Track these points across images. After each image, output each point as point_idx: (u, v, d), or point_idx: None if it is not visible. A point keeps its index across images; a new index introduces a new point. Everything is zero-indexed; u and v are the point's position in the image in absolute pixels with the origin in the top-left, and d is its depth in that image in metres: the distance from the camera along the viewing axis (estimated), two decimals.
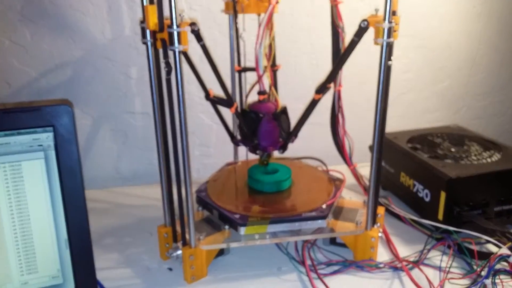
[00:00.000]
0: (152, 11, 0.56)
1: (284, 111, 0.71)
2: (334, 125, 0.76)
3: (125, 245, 0.74)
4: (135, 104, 0.95)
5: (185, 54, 0.61)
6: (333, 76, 0.65)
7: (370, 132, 0.83)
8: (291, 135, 0.70)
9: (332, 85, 0.67)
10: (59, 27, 0.87)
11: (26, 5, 0.84)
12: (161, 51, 0.58)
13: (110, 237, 0.76)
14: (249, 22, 0.79)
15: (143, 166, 1.00)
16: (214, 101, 0.68)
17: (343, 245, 0.70)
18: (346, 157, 0.79)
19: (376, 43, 0.57)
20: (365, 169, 0.85)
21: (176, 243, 0.67)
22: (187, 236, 0.63)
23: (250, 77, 0.81)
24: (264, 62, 0.66)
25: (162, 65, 0.58)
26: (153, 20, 0.56)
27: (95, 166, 0.98)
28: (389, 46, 0.57)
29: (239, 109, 0.70)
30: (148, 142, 0.98)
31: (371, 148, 0.96)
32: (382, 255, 0.69)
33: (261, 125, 0.68)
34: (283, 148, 0.71)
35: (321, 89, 0.65)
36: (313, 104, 0.66)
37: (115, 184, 0.99)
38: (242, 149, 0.87)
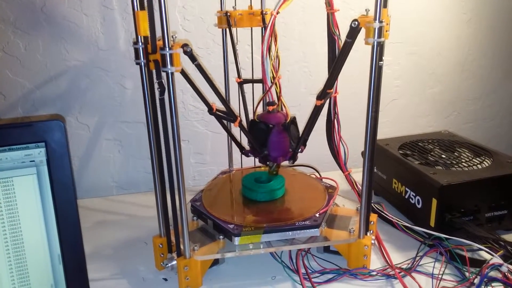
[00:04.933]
0: (143, 17, 0.56)
1: (293, 121, 0.72)
2: (330, 131, 0.77)
3: (120, 255, 0.74)
4: (129, 113, 0.96)
5: (182, 72, 0.61)
6: (332, 81, 0.66)
7: (362, 139, 0.84)
8: (299, 144, 0.71)
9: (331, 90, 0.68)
10: (53, 39, 0.87)
11: (20, 16, 0.85)
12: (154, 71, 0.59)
13: (105, 246, 0.77)
14: (240, 33, 0.81)
15: (138, 174, 1.01)
16: (218, 116, 0.69)
17: (336, 252, 0.70)
18: (341, 163, 0.80)
19: (367, 43, 0.57)
20: (358, 175, 0.86)
21: (171, 253, 0.67)
22: (181, 246, 0.63)
23: (247, 87, 0.82)
24: (271, 72, 0.67)
25: (156, 85, 0.58)
26: (144, 28, 0.56)
27: (91, 175, 0.98)
28: (380, 46, 0.57)
29: (243, 122, 0.71)
30: (143, 151, 0.98)
31: (363, 154, 0.98)
32: (376, 262, 0.69)
33: (271, 136, 0.69)
34: (293, 158, 0.72)
35: (322, 95, 0.65)
36: (315, 110, 0.67)
37: (112, 192, 1.00)
38: (237, 157, 0.88)
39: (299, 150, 0.71)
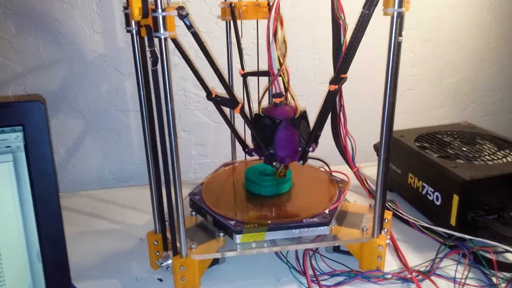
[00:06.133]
0: None
1: (303, 115, 0.64)
2: (335, 125, 0.71)
3: (113, 251, 0.69)
4: (127, 101, 0.90)
5: (177, 44, 0.56)
6: (347, 64, 0.59)
7: (373, 130, 0.77)
8: (310, 142, 0.64)
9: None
10: (46, 20, 0.82)
11: None
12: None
13: (97, 242, 0.72)
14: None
15: (137, 166, 0.95)
16: (217, 101, 0.63)
17: (347, 253, 0.65)
18: (348, 159, 0.74)
19: (385, 13, 0.51)
20: (369, 170, 0.80)
21: (166, 251, 0.62)
22: (177, 244, 0.58)
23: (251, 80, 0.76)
24: (278, 60, 0.60)
25: (148, 54, 0.52)
26: (137, 4, 0.50)
27: (87, 167, 0.93)
28: (401, 18, 0.51)
29: (246, 110, 0.64)
30: (141, 141, 0.91)
31: (376, 147, 0.92)
32: (390, 264, 0.63)
33: (278, 132, 0.62)
34: (303, 158, 0.64)
35: (336, 80, 0.59)
36: (329, 98, 0.60)
37: (108, 185, 0.95)
38: (241, 149, 0.82)
39: (310, 149, 0.64)
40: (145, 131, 0.59)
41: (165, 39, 0.49)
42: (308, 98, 0.97)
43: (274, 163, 0.65)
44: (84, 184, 0.93)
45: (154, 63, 0.51)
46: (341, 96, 0.69)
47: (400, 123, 1.04)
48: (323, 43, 0.94)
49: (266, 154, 0.63)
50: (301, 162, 0.64)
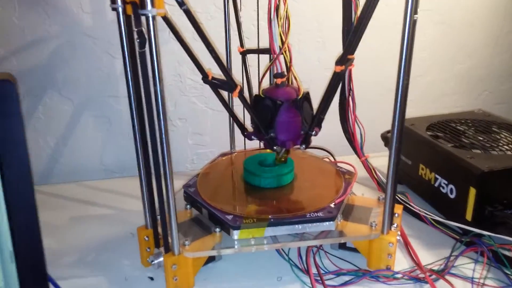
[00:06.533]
0: None
1: (306, 97, 0.60)
2: (344, 110, 0.66)
3: (102, 247, 0.64)
4: (119, 86, 0.85)
5: (168, 22, 0.50)
6: (354, 44, 0.54)
7: (380, 120, 0.73)
8: (313, 125, 0.59)
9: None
10: None
11: None
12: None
13: (86, 237, 0.67)
14: None
15: (130, 155, 0.89)
16: (214, 84, 0.58)
17: (354, 250, 0.60)
18: (356, 147, 0.70)
19: None
20: (376, 161, 0.75)
21: (158, 248, 0.57)
22: (170, 240, 0.53)
23: (251, 59, 0.71)
24: (279, 37, 0.56)
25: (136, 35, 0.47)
26: None
27: (76, 157, 0.88)
28: None
29: (244, 93, 0.59)
30: None
31: (384, 136, 0.87)
32: (401, 262, 0.58)
33: (279, 115, 0.57)
34: (305, 142, 0.60)
35: (342, 60, 0.54)
36: (334, 80, 0.55)
37: (99, 176, 0.90)
38: (240, 138, 0.77)
39: (313, 133, 0.60)
40: (133, 118, 0.54)
41: (153, 17, 0.44)
42: (311, 84, 0.91)
43: (274, 147, 0.60)
44: (74, 176, 0.88)
45: (142, 45, 0.46)
46: (350, 80, 0.64)
47: (409, 112, 0.97)
48: (328, 26, 0.88)
49: (267, 138, 0.59)
50: (303, 146, 0.60)
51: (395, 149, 0.53)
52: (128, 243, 0.65)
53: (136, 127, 0.54)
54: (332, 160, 0.75)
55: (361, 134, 0.69)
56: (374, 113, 0.89)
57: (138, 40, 0.46)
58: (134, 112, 0.54)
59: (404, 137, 0.72)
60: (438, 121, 0.77)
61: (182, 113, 0.89)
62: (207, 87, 0.76)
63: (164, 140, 0.48)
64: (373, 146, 0.86)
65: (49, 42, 0.80)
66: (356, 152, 0.71)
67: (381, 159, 0.78)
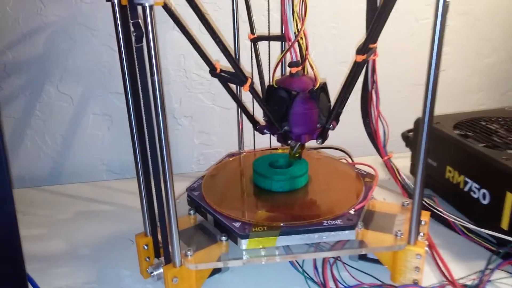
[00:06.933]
0: None
1: (323, 88, 0.55)
2: (366, 105, 0.60)
3: (100, 255, 0.59)
4: (121, 82, 0.79)
5: (169, 12, 0.45)
6: (377, 32, 0.48)
7: (400, 118, 0.67)
8: (331, 119, 0.54)
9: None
10: None
11: None
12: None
13: (83, 243, 0.62)
14: None
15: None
16: (223, 77, 0.53)
17: (376, 261, 0.54)
18: (379, 144, 0.63)
19: None
20: (396, 162, 0.69)
21: (158, 258, 0.52)
22: (170, 250, 0.47)
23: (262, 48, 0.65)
24: (295, 22, 0.51)
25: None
26: None
27: (76, 157, 0.83)
28: None
29: (255, 84, 0.53)
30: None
31: (405, 136, 0.80)
32: (428, 276, 0.52)
33: (294, 106, 0.52)
34: (322, 137, 0.55)
35: (364, 49, 0.48)
36: (354, 72, 0.50)
37: (100, 177, 0.85)
38: (249, 137, 0.72)
39: (330, 127, 0.54)
40: (130, 115, 0.49)
41: (151, 7, 0.39)
42: (327, 79, 0.85)
43: (289, 142, 0.54)
44: (74, 177, 0.83)
45: (138, 39, 0.41)
46: (374, 71, 0.58)
47: None
48: (344, 15, 0.82)
49: (280, 132, 0.54)
50: (320, 141, 0.55)
51: (424, 148, 0.47)
52: (128, 251, 0.59)
53: (134, 124, 0.49)
54: (350, 161, 0.68)
55: (384, 131, 0.63)
56: (390, 110, 0.83)
57: (134, 34, 0.41)
58: (131, 108, 0.48)
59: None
60: (466, 119, 0.70)
61: (187, 110, 0.84)
62: (214, 83, 0.71)
63: (163, 136, 0.42)
64: (392, 147, 0.79)
65: (46, 34, 0.75)
66: (378, 151, 0.64)
67: (402, 160, 0.72)
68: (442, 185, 0.66)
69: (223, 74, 0.52)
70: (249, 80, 0.49)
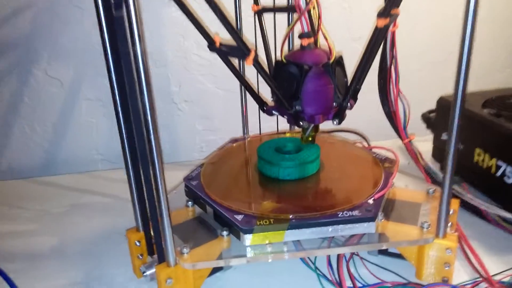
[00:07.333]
0: None
1: (339, 61, 0.49)
2: (384, 82, 0.53)
3: (92, 251, 0.54)
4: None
5: None
6: None
7: (419, 98, 0.61)
8: (349, 96, 0.47)
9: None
10: None
11: None
12: None
13: (73, 240, 0.57)
14: None
15: None
16: (223, 52, 0.47)
17: (398, 255, 0.47)
18: (399, 127, 0.57)
19: None
20: (417, 145, 0.63)
21: (152, 256, 0.46)
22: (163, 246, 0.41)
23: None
24: None
25: None
26: None
27: (69, 146, 0.78)
28: None
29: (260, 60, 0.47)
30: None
31: (426, 117, 0.73)
32: (459, 271, 0.46)
33: (307, 82, 0.46)
34: (339, 117, 0.48)
35: (386, 12, 0.41)
36: (375, 37, 0.43)
37: (95, 167, 0.79)
38: (255, 121, 0.66)
39: (348, 105, 0.48)
40: (115, 96, 0.43)
41: None
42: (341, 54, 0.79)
43: (301, 123, 0.48)
44: (67, 167, 0.77)
45: (117, 5, 0.35)
46: (393, 45, 0.52)
47: (451, 88, 0.84)
48: None
49: (291, 112, 0.47)
50: (337, 121, 0.48)
51: (456, 129, 0.40)
52: (122, 247, 0.54)
53: (119, 106, 0.43)
54: (366, 145, 0.62)
55: (404, 112, 0.56)
56: (411, 89, 0.76)
57: (113, 2, 0.35)
58: (115, 88, 0.42)
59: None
60: (496, 96, 0.63)
61: (188, 94, 0.78)
62: (216, 64, 0.65)
63: (149, 118, 0.36)
64: (410, 129, 0.73)
65: (32, 12, 0.69)
66: (398, 133, 0.58)
67: (424, 144, 0.66)
68: (470, 169, 0.59)
69: (223, 48, 0.45)
70: (253, 52, 0.43)
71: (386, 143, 0.60)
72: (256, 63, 0.44)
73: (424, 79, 0.83)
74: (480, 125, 0.57)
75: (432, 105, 0.70)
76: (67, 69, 0.72)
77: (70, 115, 0.75)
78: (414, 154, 0.57)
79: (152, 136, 0.36)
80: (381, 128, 0.61)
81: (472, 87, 0.82)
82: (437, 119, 0.67)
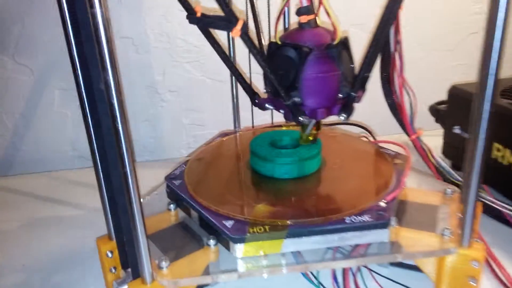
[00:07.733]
0: None
1: (345, 43, 0.41)
2: (387, 71, 0.47)
3: (58, 267, 0.47)
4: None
5: None
6: None
7: (425, 89, 0.55)
8: (357, 85, 0.40)
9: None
10: None
11: None
12: None
13: (41, 250, 0.49)
14: None
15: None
16: (205, 23, 0.39)
17: (413, 267, 0.41)
18: (405, 121, 0.50)
19: None
20: (426, 140, 0.57)
21: (125, 270, 0.39)
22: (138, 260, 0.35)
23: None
24: None
25: None
26: None
27: (41, 141, 0.70)
28: None
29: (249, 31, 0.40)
30: None
31: (434, 109, 0.67)
32: (482, 284, 0.40)
33: (307, 68, 0.39)
34: (347, 110, 0.41)
35: None
36: (387, 15, 0.37)
37: (72, 165, 0.72)
38: (246, 115, 0.59)
39: (356, 97, 0.41)
40: (78, 78, 0.36)
41: None
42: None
43: (300, 118, 0.41)
44: (40, 165, 0.70)
45: None
46: (397, 30, 0.45)
47: (460, 78, 0.78)
48: None
49: (288, 104, 0.40)
50: (344, 115, 0.41)
51: (487, 116, 0.34)
52: (94, 257, 0.47)
53: (83, 91, 0.36)
54: (372, 139, 0.55)
55: (411, 104, 0.50)
56: (416, 80, 0.70)
57: None
58: (77, 68, 0.35)
59: (466, 108, 0.52)
60: None
61: (173, 83, 0.71)
62: (204, 50, 0.58)
63: (115, 100, 0.29)
64: (417, 124, 0.67)
65: None
66: (404, 128, 0.51)
67: (433, 139, 0.59)
68: (487, 166, 0.53)
69: (205, 18, 0.38)
70: (241, 21, 0.36)
71: (389, 138, 0.54)
72: (245, 35, 0.37)
73: (429, 68, 0.77)
74: (498, 116, 0.51)
75: (440, 97, 0.64)
76: (37, 56, 0.65)
77: (40, 106, 0.68)
78: (422, 151, 0.50)
79: (119, 123, 0.29)
80: (383, 123, 0.55)
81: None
82: (448, 111, 0.61)
